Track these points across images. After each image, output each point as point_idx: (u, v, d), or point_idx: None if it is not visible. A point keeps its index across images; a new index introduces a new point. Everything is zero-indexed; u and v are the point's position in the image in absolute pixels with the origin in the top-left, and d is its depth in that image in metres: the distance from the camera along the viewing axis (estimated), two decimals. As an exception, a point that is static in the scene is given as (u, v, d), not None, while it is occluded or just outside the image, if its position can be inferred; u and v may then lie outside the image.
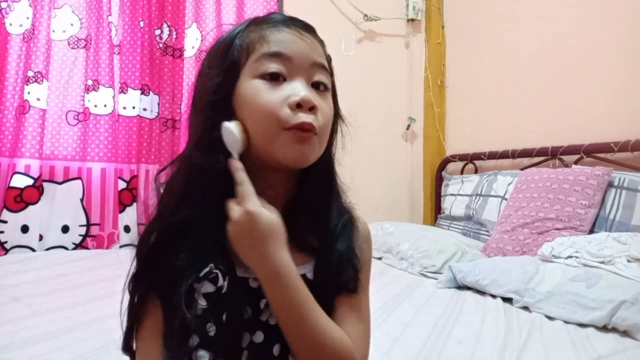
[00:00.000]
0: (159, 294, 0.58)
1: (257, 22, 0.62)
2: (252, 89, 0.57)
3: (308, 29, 0.62)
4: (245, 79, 0.58)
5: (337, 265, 0.60)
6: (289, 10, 2.56)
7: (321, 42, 0.63)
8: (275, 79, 0.58)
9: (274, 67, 0.58)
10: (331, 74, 0.64)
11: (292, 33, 0.59)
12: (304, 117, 0.56)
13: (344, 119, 0.67)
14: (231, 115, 0.58)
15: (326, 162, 0.64)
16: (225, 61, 0.60)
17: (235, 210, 0.54)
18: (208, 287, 0.56)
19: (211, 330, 0.55)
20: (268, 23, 0.61)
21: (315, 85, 0.60)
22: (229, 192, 0.56)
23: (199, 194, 0.57)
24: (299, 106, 0.56)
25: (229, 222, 0.54)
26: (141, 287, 0.59)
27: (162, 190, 0.62)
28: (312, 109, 0.57)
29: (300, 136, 0.56)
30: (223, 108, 0.58)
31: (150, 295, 0.59)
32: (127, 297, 0.60)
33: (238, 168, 0.56)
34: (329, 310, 0.58)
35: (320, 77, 0.60)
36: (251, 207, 0.53)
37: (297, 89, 0.57)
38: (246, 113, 0.58)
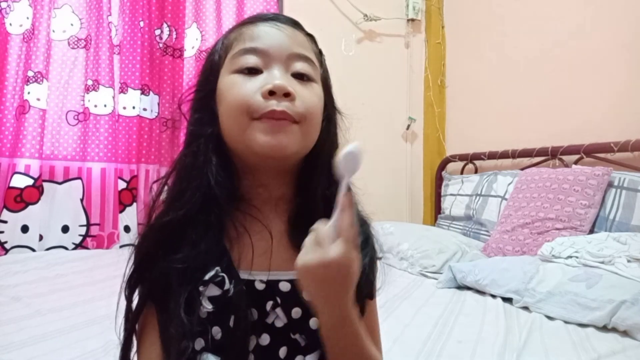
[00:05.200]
0: (154, 299, 0.57)
1: (240, 23, 0.63)
2: (229, 83, 0.58)
3: (291, 23, 0.61)
4: (224, 76, 0.59)
5: (360, 280, 0.57)
6: (289, 10, 2.59)
7: (309, 36, 0.63)
8: (252, 72, 0.57)
9: (250, 60, 0.57)
10: (321, 66, 0.63)
11: (269, 26, 0.59)
12: (275, 104, 0.54)
13: (341, 113, 0.65)
14: (212, 114, 0.59)
15: (329, 162, 0.59)
16: (207, 63, 0.62)
17: (334, 249, 0.49)
18: (213, 291, 0.55)
19: (217, 334, 0.54)
20: (248, 22, 0.61)
21: (298, 77, 0.58)
22: (219, 192, 0.56)
23: (189, 194, 0.57)
24: (272, 94, 0.54)
25: (315, 261, 0.49)
26: (137, 292, 0.58)
27: (155, 197, 0.62)
28: (287, 95, 0.55)
29: (272, 124, 0.54)
30: (205, 107, 0.60)
31: (148, 302, 0.57)
32: (122, 304, 0.59)
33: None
34: None
35: (302, 67, 0.59)
36: (354, 253, 0.50)
37: (272, 77, 0.56)
38: (222, 107, 0.58)
